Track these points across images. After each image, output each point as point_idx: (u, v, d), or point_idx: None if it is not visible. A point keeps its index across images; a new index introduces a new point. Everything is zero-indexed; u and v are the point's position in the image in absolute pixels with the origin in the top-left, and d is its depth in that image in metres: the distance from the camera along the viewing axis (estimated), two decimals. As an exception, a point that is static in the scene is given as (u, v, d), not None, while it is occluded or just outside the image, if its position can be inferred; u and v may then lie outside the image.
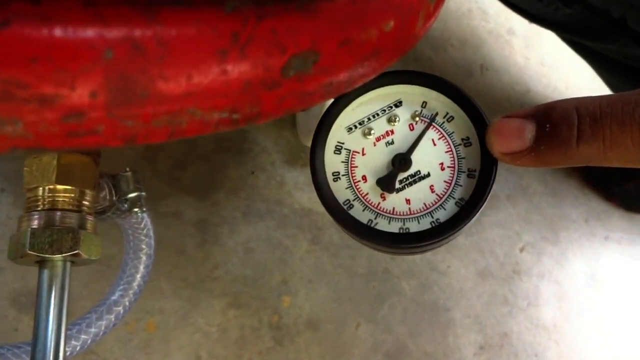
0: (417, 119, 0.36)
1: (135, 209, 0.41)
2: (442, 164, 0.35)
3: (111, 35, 0.15)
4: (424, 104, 0.36)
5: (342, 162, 0.36)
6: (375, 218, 0.35)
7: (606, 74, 0.81)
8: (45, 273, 0.34)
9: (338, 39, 0.18)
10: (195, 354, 0.72)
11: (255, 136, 0.82)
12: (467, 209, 0.33)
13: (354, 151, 0.36)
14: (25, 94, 0.15)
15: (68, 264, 0.35)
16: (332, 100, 0.36)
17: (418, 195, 0.35)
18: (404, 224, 0.34)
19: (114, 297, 0.45)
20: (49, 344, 0.32)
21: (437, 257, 0.83)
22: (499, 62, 0.96)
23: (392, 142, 0.36)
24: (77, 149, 0.18)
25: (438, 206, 0.34)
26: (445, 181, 0.35)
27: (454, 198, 0.34)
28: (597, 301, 0.88)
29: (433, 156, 0.35)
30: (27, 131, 0.16)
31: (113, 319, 0.45)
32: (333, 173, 0.36)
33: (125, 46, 0.15)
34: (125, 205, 0.40)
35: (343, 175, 0.36)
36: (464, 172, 0.35)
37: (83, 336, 0.42)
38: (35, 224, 0.34)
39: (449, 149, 0.35)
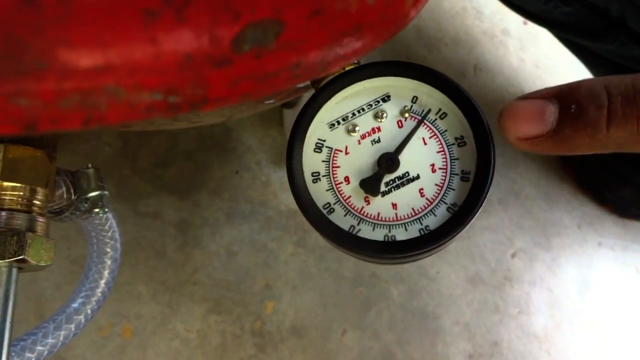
0: (407, 115, 0.32)
1: (96, 210, 0.36)
2: (433, 165, 0.31)
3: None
4: (414, 99, 0.32)
5: (323, 161, 0.32)
6: (358, 224, 0.31)
7: (603, 75, 0.78)
8: (-13, 280, 0.30)
9: (308, 7, 0.15)
10: (172, 362, 0.68)
11: (240, 134, 0.78)
12: (460, 216, 0.30)
13: (336, 149, 0.32)
14: None
15: (14, 270, 0.31)
16: (311, 92, 0.32)
17: (406, 199, 0.31)
18: (389, 231, 0.30)
19: (74, 305, 0.41)
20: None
21: (427, 262, 0.79)
22: (493, 63, 0.93)
23: (379, 141, 0.32)
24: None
25: (428, 212, 0.30)
26: (436, 184, 0.31)
27: (445, 203, 0.30)
28: (590, 309, 0.85)
29: (423, 156, 0.31)
30: None
31: (73, 329, 0.40)
32: (312, 173, 0.32)
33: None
34: (86, 205, 0.36)
35: (323, 176, 0.32)
36: (457, 174, 0.31)
37: (39, 347, 0.38)
38: (-24, 225, 0.30)
39: (441, 149, 0.31)
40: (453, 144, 0.32)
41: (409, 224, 0.30)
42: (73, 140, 0.71)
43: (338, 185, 0.32)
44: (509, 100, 0.29)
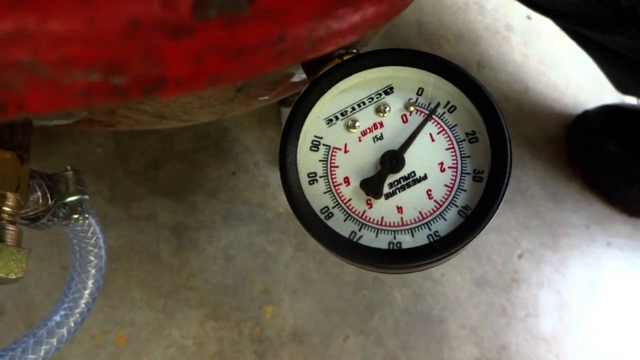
0: (412, 109, 0.29)
1: (75, 215, 0.33)
2: (441, 164, 0.28)
3: None
4: (420, 91, 0.29)
5: (320, 161, 0.29)
6: (360, 230, 0.27)
7: (611, 69, 0.74)
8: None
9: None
10: (168, 371, 0.65)
11: (237, 134, 0.74)
12: (473, 220, 0.26)
13: (334, 148, 0.29)
14: None
15: (-20, 284, 0.27)
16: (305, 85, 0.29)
17: (412, 202, 0.27)
18: (394, 238, 0.27)
19: (56, 318, 0.37)
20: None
21: (431, 265, 0.76)
22: (496, 60, 0.89)
23: (381, 137, 0.29)
24: None
25: (437, 216, 0.27)
26: (445, 185, 0.27)
27: (456, 206, 0.27)
28: (599, 311, 0.81)
29: (431, 154, 0.28)
30: None
31: (55, 343, 0.37)
32: (309, 174, 0.29)
33: None
34: (64, 211, 0.33)
35: (321, 177, 0.28)
36: (468, 173, 0.27)
37: (17, 365, 0.35)
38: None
39: (451, 146, 0.28)
40: (464, 140, 0.28)
41: (416, 229, 0.27)
42: (62, 142, 0.67)
43: (337, 187, 0.28)
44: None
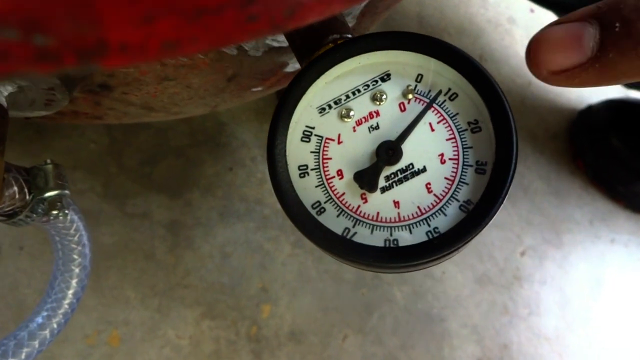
0: (410, 96, 0.27)
1: (55, 212, 0.31)
2: (442, 155, 0.26)
3: None
4: (419, 78, 0.27)
5: (312, 152, 0.27)
6: (354, 226, 0.25)
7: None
8: None
9: None
10: (162, 371, 0.63)
11: (234, 129, 0.72)
12: (476, 215, 0.24)
13: (327, 138, 0.27)
14: None
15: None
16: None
17: (410, 196, 0.25)
18: (391, 235, 0.25)
19: (38, 320, 0.35)
20: None
21: (432, 262, 0.74)
22: (498, 53, 0.87)
23: (377, 127, 0.26)
24: None
25: (437, 211, 0.25)
26: (446, 178, 0.25)
27: (457, 200, 0.25)
28: (603, 309, 0.79)
29: (430, 145, 0.26)
30: None
31: (37, 346, 0.35)
32: (299, 167, 0.26)
33: None
34: (43, 207, 0.31)
35: (312, 169, 0.26)
36: (471, 165, 0.25)
37: (-4, 368, 0.33)
38: None
39: (452, 136, 0.26)
40: (465, 130, 0.26)
41: (415, 225, 0.25)
42: (54, 137, 0.65)
43: (329, 181, 0.26)
44: (541, 29, 0.24)
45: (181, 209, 0.68)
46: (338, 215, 0.26)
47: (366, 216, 0.25)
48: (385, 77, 0.27)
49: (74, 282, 0.36)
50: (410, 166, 0.26)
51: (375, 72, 0.27)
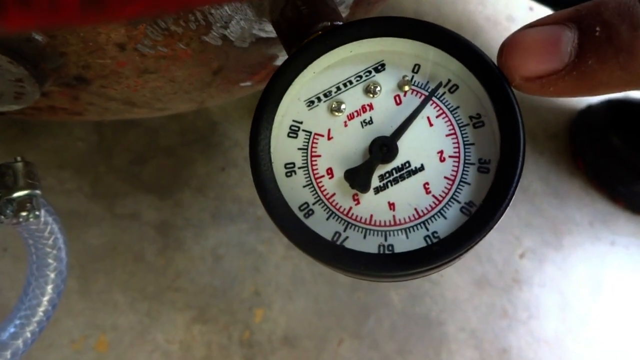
0: (407, 88, 0.24)
1: (24, 213, 0.29)
2: (441, 152, 0.23)
3: None
4: (416, 68, 0.24)
5: (299, 149, 0.24)
6: (345, 230, 0.23)
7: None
8: None
9: None
10: (151, 377, 0.60)
11: (226, 128, 0.70)
12: (479, 218, 0.21)
13: (316, 134, 0.24)
14: None
15: None
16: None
17: (407, 197, 0.23)
18: (385, 240, 0.22)
19: (11, 329, 0.33)
20: None
21: (430, 265, 0.71)
22: (497, 52, 0.85)
23: (371, 122, 0.24)
24: None
25: (436, 213, 0.22)
26: (446, 177, 0.23)
27: (459, 202, 0.22)
28: (604, 312, 0.77)
29: (429, 141, 0.23)
30: None
31: (9, 357, 0.32)
32: (286, 165, 0.24)
33: None
34: (11, 208, 0.28)
35: (300, 167, 0.24)
36: (473, 164, 0.23)
37: (-38, 382, 0.30)
38: None
39: (452, 132, 0.23)
40: (467, 125, 0.23)
41: (411, 229, 0.22)
42: (40, 135, 0.63)
43: (318, 180, 0.24)
44: (515, 31, 0.21)
45: (172, 210, 0.65)
46: (328, 218, 0.23)
47: (358, 219, 0.23)
48: (380, 68, 0.25)
49: (49, 288, 0.34)
50: (407, 164, 0.23)
51: (368, 62, 0.25)
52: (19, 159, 0.30)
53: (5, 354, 0.33)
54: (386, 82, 0.24)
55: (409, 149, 0.23)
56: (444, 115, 0.24)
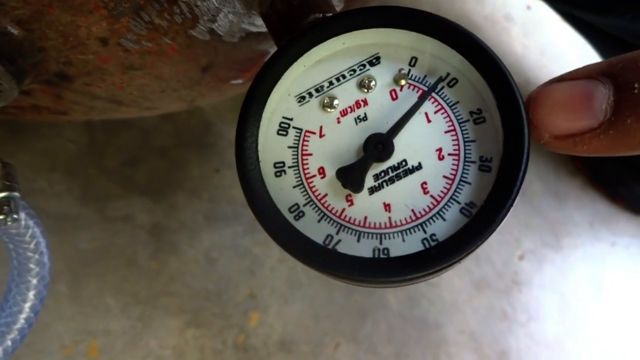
0: (403, 82, 0.23)
1: (1, 217, 0.27)
2: (440, 150, 0.22)
3: None
4: (412, 61, 0.23)
5: (289, 147, 0.23)
6: (338, 233, 0.21)
7: (612, 57, 0.68)
8: None
9: None
10: (144, 383, 0.59)
11: (220, 129, 0.68)
12: (480, 220, 0.20)
13: (307, 131, 0.23)
14: None
15: None
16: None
17: (403, 197, 0.21)
18: (380, 243, 0.21)
19: (-10, 336, 0.31)
20: None
21: (428, 267, 0.70)
22: (495, 51, 0.83)
23: (365, 118, 0.23)
24: None
25: (434, 215, 0.21)
26: (445, 176, 0.21)
27: (458, 202, 0.21)
28: (604, 314, 0.76)
29: (426, 139, 0.22)
30: None
31: (-11, 366, 0.31)
32: (275, 164, 0.22)
33: None
34: (-13, 211, 0.27)
35: (290, 167, 0.22)
36: (473, 162, 0.21)
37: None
38: None
39: (451, 128, 0.22)
40: (467, 121, 0.22)
41: (408, 232, 0.21)
42: (29, 137, 0.61)
43: (310, 180, 0.22)
44: (542, 85, 0.20)
45: (165, 212, 0.64)
46: (319, 220, 0.22)
47: (352, 221, 0.21)
48: (374, 61, 0.23)
49: (30, 294, 0.32)
50: (403, 163, 0.22)
51: (362, 55, 0.23)
52: (-4, 159, 0.28)
53: (-15, 364, 0.31)
54: (381, 76, 0.23)
55: (405, 146, 0.22)
56: (442, 110, 0.22)
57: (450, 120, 0.22)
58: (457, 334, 0.70)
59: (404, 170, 0.21)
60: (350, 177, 0.20)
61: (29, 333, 0.33)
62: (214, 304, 0.62)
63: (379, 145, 0.21)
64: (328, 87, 0.23)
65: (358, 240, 0.21)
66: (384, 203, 0.21)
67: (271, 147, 0.23)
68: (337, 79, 0.23)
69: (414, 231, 0.21)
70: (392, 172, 0.21)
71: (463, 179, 0.21)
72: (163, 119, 0.66)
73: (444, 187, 0.21)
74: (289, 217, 0.21)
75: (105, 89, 0.32)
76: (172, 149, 0.66)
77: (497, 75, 0.21)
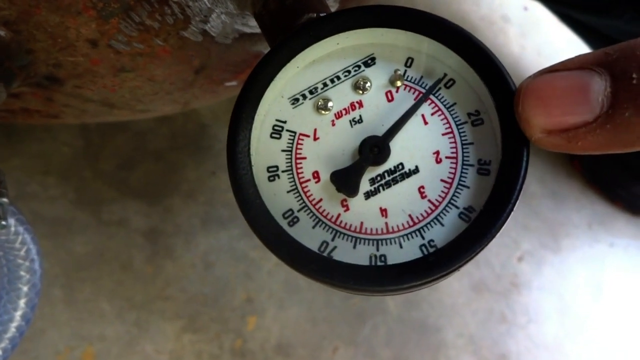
0: (399, 83, 0.22)
1: (-11, 224, 0.26)
2: (437, 153, 0.21)
3: None
4: (409, 62, 0.22)
5: (283, 151, 0.22)
6: (333, 239, 0.21)
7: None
8: None
9: None
10: (140, 389, 0.58)
11: (216, 131, 0.67)
12: (480, 225, 0.19)
13: (301, 134, 0.22)
14: None
15: None
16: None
17: (400, 202, 0.21)
18: (377, 250, 0.20)
19: (-21, 345, 0.30)
20: None
21: (426, 269, 0.69)
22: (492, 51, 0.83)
23: (360, 120, 0.22)
24: None
25: (432, 220, 0.20)
26: (442, 180, 0.21)
27: (457, 207, 0.20)
28: (604, 315, 0.75)
29: (423, 141, 0.21)
30: None
31: (-22, 376, 0.30)
32: (268, 168, 0.22)
33: None
34: (-26, 218, 0.26)
35: (284, 171, 0.22)
36: (472, 165, 0.21)
37: None
38: None
39: (449, 130, 0.21)
40: (465, 123, 0.21)
41: (406, 238, 0.20)
42: (24, 140, 0.60)
43: (304, 184, 0.21)
44: (533, 75, 0.19)
45: (160, 216, 0.63)
46: (314, 226, 0.21)
47: (348, 227, 0.21)
48: (369, 62, 0.22)
49: (21, 302, 0.31)
50: (400, 166, 0.21)
51: (357, 56, 0.22)
52: (-16, 164, 0.27)
53: (-26, 373, 0.30)
54: (377, 77, 0.22)
55: (402, 149, 0.21)
56: (439, 112, 0.22)
57: (448, 123, 0.21)
58: (456, 337, 0.69)
59: (400, 174, 0.21)
60: (345, 180, 0.20)
61: (20, 342, 0.32)
62: (210, 308, 0.62)
63: (374, 149, 0.21)
64: (322, 88, 0.22)
65: (354, 247, 0.20)
66: (381, 208, 0.21)
67: (264, 150, 0.22)
68: (332, 81, 0.22)
69: (412, 237, 0.20)
70: (389, 176, 0.21)
71: (461, 182, 0.21)
72: (159, 122, 0.65)
73: (442, 192, 0.21)
74: (283, 223, 0.21)
75: (96, 91, 0.32)
76: (168, 151, 0.65)
77: (495, 76, 0.20)
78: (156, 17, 0.26)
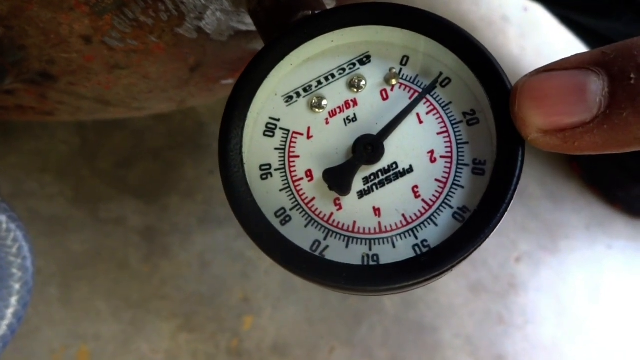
0: (394, 82, 0.22)
1: (-21, 222, 0.26)
2: (432, 152, 0.21)
3: None
4: (404, 60, 0.22)
5: (276, 149, 0.22)
6: (325, 239, 0.20)
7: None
8: None
9: None
10: (135, 388, 0.57)
11: (215, 130, 0.67)
12: (473, 225, 0.19)
13: (294, 132, 0.22)
14: None
15: None
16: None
17: (394, 201, 0.20)
18: (370, 249, 0.20)
19: (-29, 343, 0.30)
20: None
21: (424, 270, 0.69)
22: (491, 52, 0.82)
23: (355, 119, 0.22)
24: None
25: (426, 220, 0.20)
26: (437, 180, 0.20)
27: (451, 207, 0.20)
28: (602, 317, 0.75)
29: (418, 140, 0.21)
30: None
31: (-31, 374, 0.30)
32: (261, 166, 0.21)
33: None
34: (-35, 215, 0.26)
35: (277, 169, 0.21)
36: (466, 165, 0.20)
37: None
38: None
39: (444, 129, 0.21)
40: (460, 122, 0.21)
41: (399, 237, 0.20)
42: (21, 138, 0.60)
43: (297, 183, 0.21)
44: (529, 74, 0.18)
45: (158, 215, 0.63)
46: (306, 225, 0.21)
47: (340, 226, 0.20)
48: (364, 60, 0.22)
49: (13, 300, 0.31)
50: (394, 166, 0.21)
51: (352, 54, 0.22)
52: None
53: (-35, 372, 0.30)
54: (372, 75, 0.22)
55: (396, 148, 0.21)
56: (435, 111, 0.21)
57: (443, 122, 0.21)
58: (453, 338, 0.69)
59: (394, 173, 0.21)
60: (337, 179, 0.19)
61: (12, 340, 0.32)
62: (207, 307, 0.61)
63: (368, 147, 0.21)
64: (316, 86, 0.22)
65: (346, 246, 0.20)
66: (374, 207, 0.20)
67: (257, 149, 0.22)
68: (326, 78, 0.22)
69: (405, 237, 0.20)
70: (382, 175, 0.21)
71: (456, 182, 0.20)
72: (157, 120, 0.65)
73: (436, 191, 0.20)
74: (275, 222, 0.20)
75: (91, 88, 0.32)
76: (165, 150, 0.65)
77: (491, 76, 0.20)
78: (150, 14, 0.26)
